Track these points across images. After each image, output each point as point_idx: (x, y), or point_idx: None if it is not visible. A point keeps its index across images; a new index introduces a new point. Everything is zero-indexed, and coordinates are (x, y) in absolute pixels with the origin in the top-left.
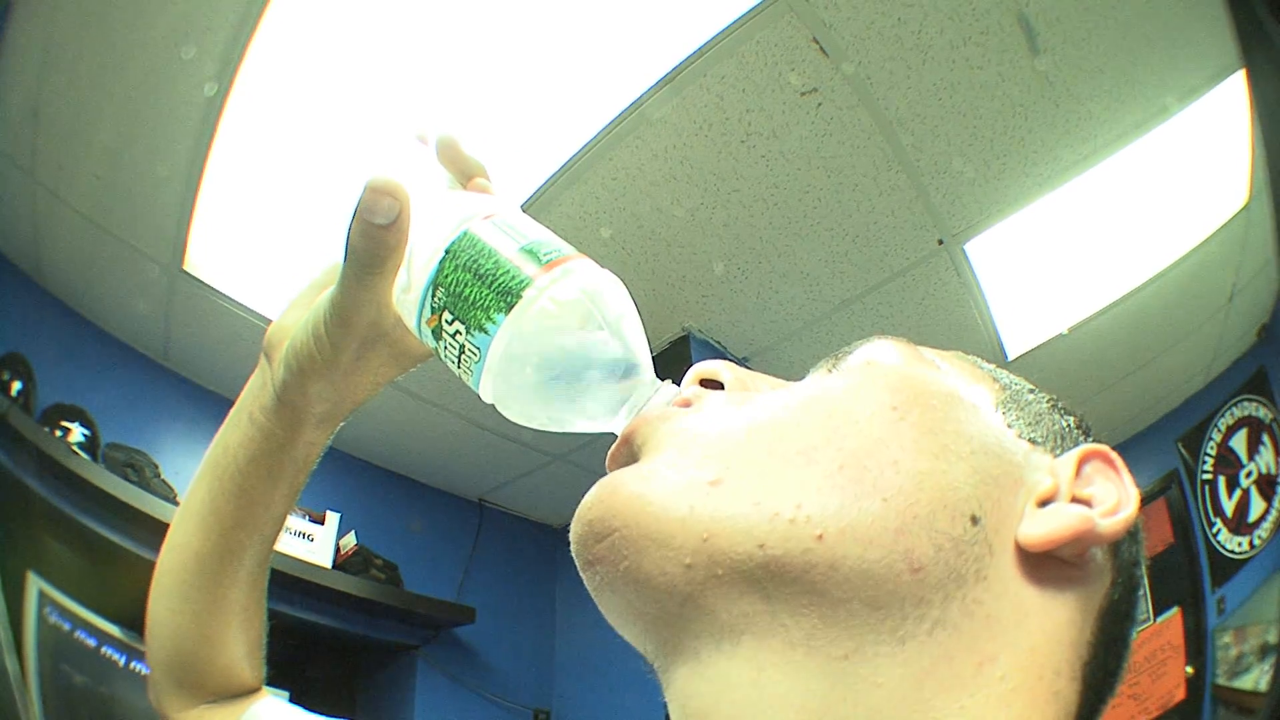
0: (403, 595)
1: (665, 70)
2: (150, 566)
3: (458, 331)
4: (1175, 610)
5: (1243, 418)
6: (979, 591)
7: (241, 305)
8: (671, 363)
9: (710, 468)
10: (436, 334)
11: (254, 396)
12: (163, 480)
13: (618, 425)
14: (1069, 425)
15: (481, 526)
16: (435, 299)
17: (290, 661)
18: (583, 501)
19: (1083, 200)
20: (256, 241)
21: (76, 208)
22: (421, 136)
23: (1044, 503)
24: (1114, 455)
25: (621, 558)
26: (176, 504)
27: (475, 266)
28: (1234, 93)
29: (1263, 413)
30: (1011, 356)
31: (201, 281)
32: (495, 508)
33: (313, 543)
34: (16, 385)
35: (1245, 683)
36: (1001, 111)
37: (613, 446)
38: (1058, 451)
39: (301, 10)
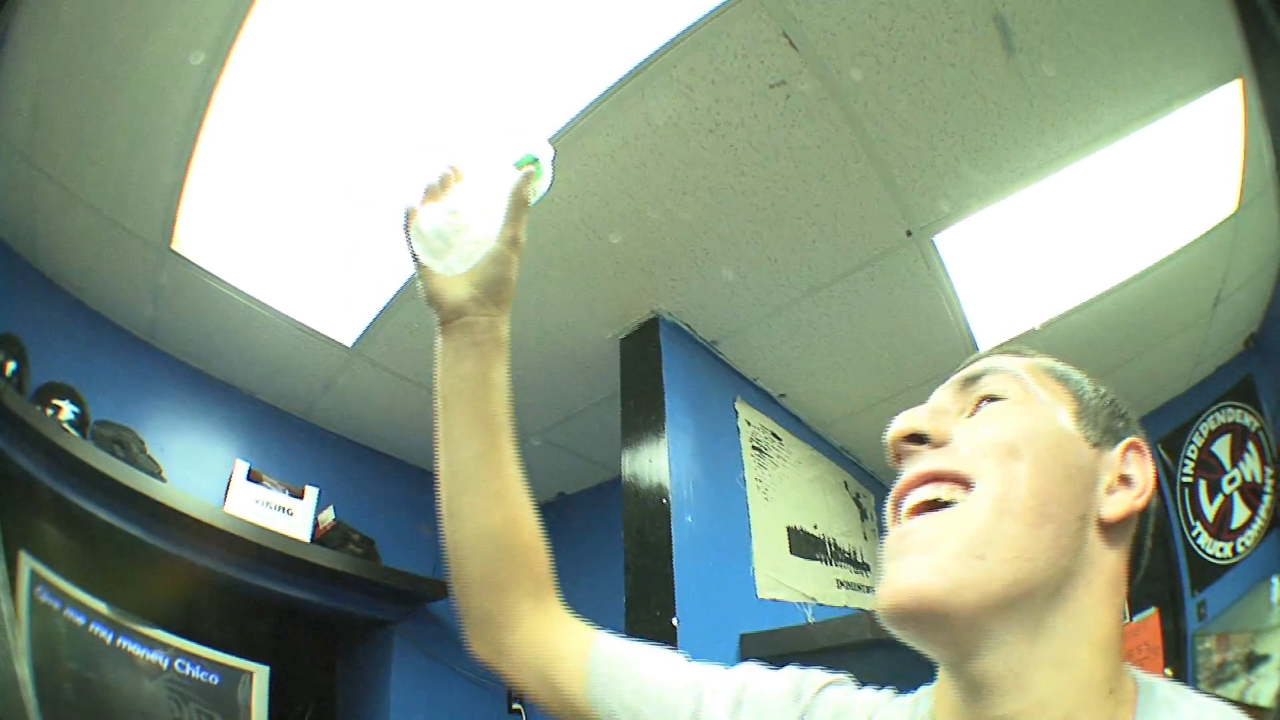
0: (379, 569)
1: (637, 60)
2: (138, 544)
3: None
4: (1152, 611)
5: (1226, 424)
6: (1087, 550)
7: (227, 284)
8: (640, 344)
9: (974, 551)
10: None
11: (463, 335)
12: (148, 456)
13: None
14: (1119, 422)
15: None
16: None
17: (271, 637)
18: (893, 583)
19: (1061, 196)
20: (243, 222)
21: (69, 188)
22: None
23: (1109, 490)
24: (1143, 443)
25: (928, 618)
26: (162, 479)
27: None
28: (1226, 101)
29: (1248, 420)
30: (982, 350)
31: (189, 261)
32: None
33: (291, 516)
34: (11, 366)
35: (1230, 691)
36: (974, 108)
37: (899, 522)
38: (1111, 443)
39: None
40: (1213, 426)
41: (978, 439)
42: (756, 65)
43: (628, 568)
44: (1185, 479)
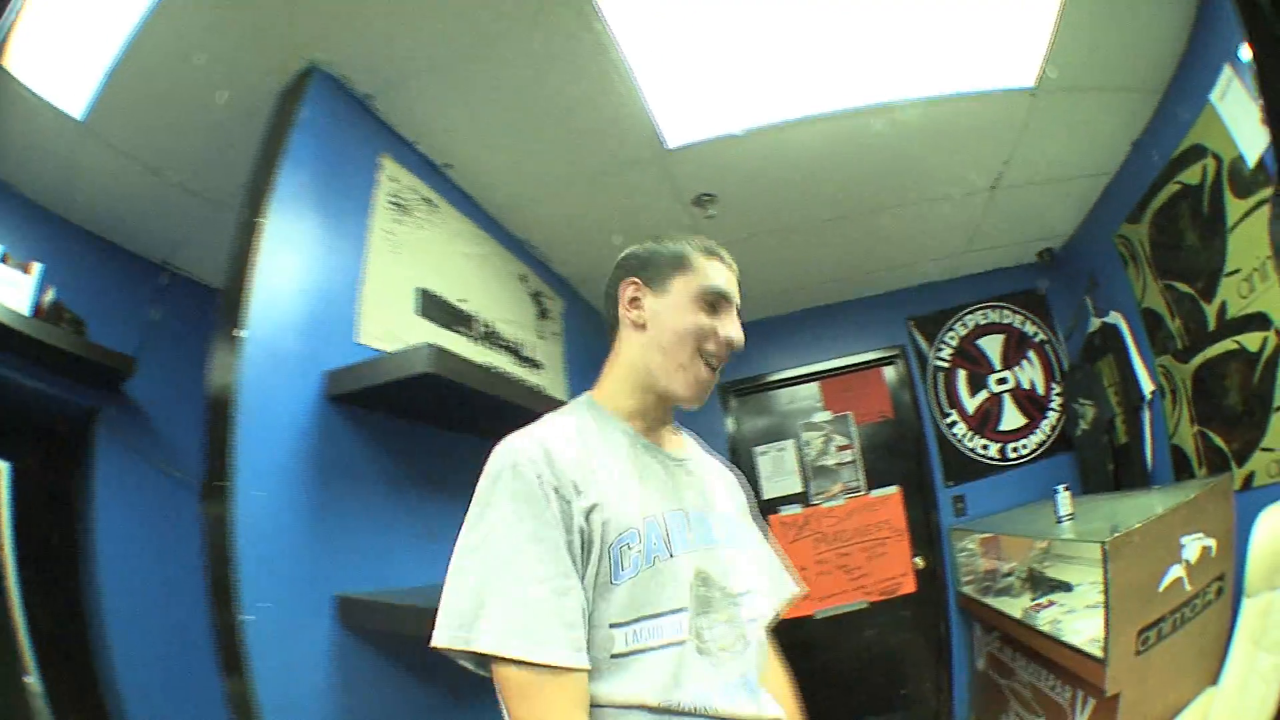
0: (82, 343)
1: None
2: None
3: None
4: (895, 490)
5: (1001, 324)
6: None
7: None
8: (290, 99)
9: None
10: None
11: None
12: None
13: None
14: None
15: (162, 291)
16: None
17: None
18: (703, 390)
19: None
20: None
21: None
22: None
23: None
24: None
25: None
26: None
27: None
28: None
29: (1031, 330)
30: (672, 145)
31: None
32: (179, 272)
33: (17, 292)
34: None
35: (1010, 606)
36: None
37: (706, 365)
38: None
39: None
40: (982, 321)
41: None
42: None
43: (225, 286)
44: (941, 364)
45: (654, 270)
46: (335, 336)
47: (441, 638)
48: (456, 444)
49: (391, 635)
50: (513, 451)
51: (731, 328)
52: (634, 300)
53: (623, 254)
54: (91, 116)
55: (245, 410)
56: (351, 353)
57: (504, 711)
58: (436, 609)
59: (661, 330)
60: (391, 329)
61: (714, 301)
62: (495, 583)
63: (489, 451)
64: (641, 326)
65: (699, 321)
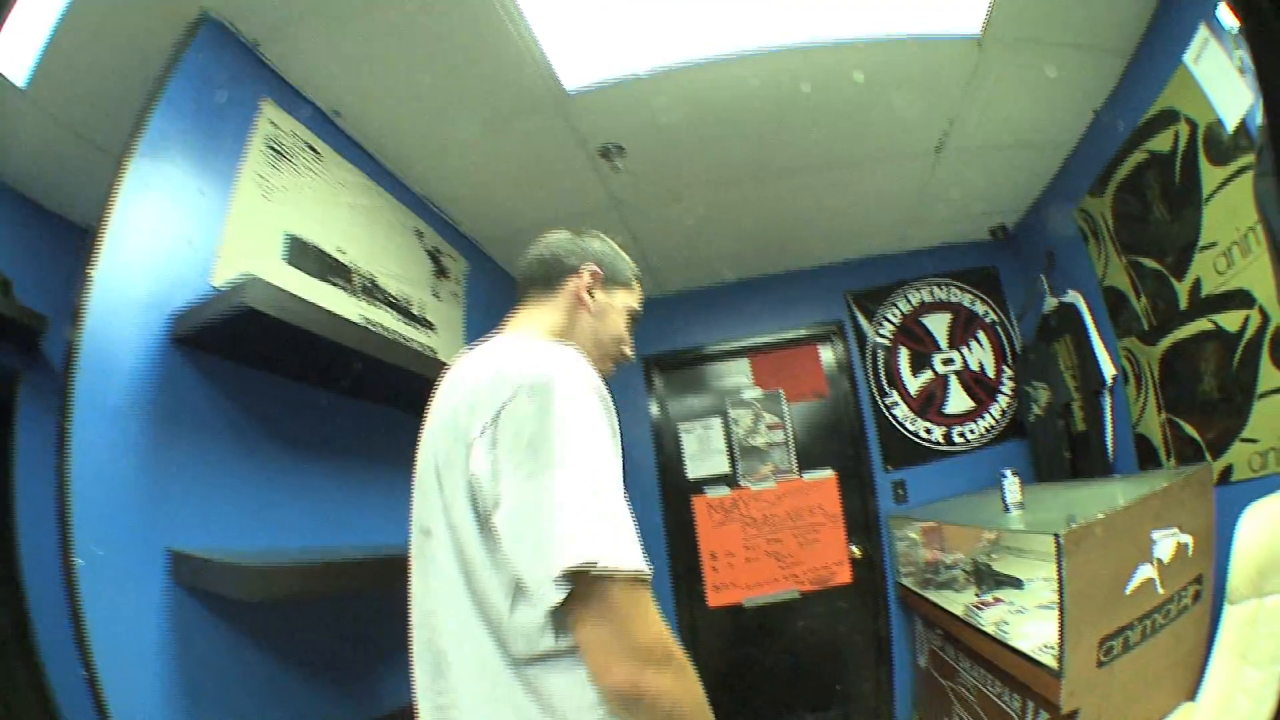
0: (11, 304)
1: None
2: None
3: None
4: (830, 473)
5: (949, 301)
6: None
7: None
8: (181, 50)
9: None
10: None
11: None
12: None
13: None
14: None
15: (83, 255)
16: None
17: None
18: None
19: None
20: None
21: None
22: None
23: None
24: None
25: None
26: None
27: None
28: None
29: (981, 309)
30: (570, 87)
31: None
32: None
33: None
34: None
35: (951, 602)
36: None
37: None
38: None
39: None
40: (927, 298)
41: None
42: None
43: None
44: (882, 341)
45: (614, 273)
46: (189, 279)
47: (570, 554)
48: (317, 400)
49: (225, 597)
50: (585, 367)
51: (632, 346)
52: (591, 286)
53: (586, 235)
54: (32, 82)
55: (86, 350)
56: (206, 296)
57: (590, 634)
58: (273, 569)
59: (605, 325)
60: (252, 274)
61: (634, 320)
62: (606, 497)
63: (362, 410)
64: (588, 310)
65: (625, 333)
